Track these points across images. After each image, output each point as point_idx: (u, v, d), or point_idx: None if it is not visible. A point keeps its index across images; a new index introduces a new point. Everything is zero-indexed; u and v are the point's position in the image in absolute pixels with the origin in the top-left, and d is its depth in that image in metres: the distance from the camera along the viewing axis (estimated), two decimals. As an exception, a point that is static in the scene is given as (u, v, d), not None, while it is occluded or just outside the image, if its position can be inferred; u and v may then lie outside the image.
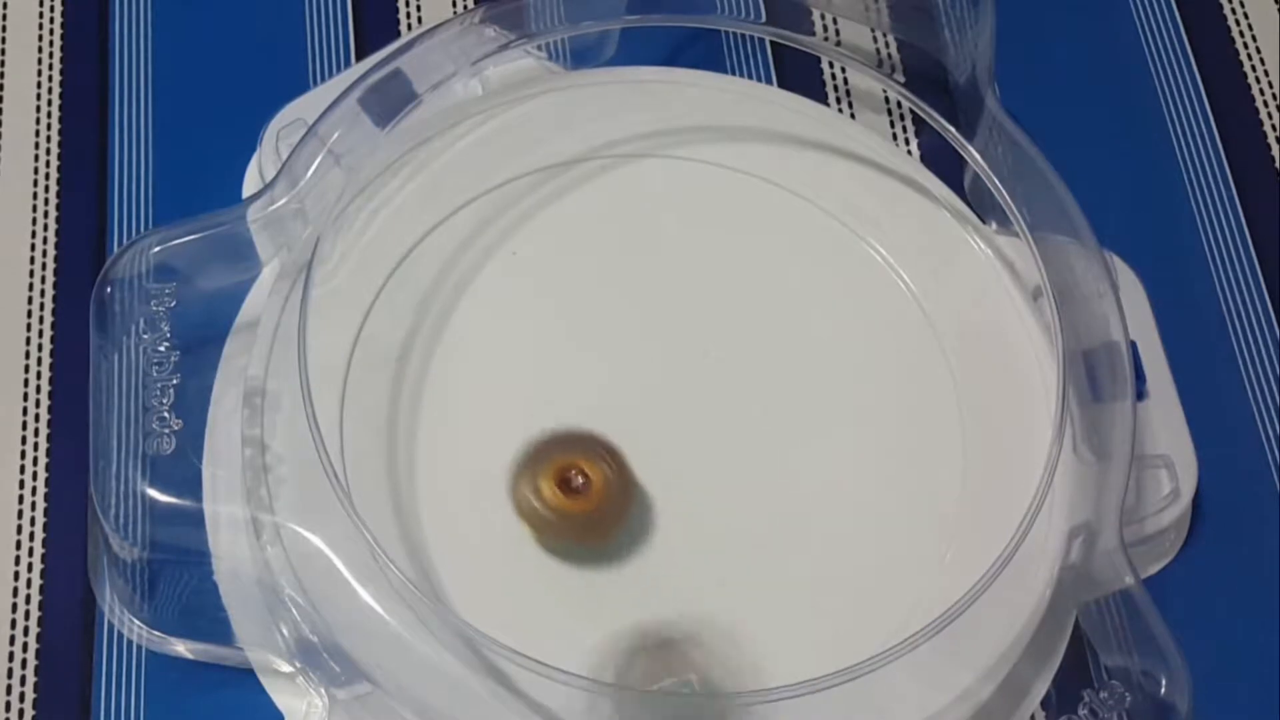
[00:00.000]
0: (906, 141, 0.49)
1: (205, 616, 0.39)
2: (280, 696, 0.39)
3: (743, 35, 0.50)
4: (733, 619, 0.39)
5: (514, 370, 0.41)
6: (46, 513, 0.42)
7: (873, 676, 0.35)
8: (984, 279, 0.44)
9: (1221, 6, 0.52)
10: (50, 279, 0.45)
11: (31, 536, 0.42)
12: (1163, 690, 0.37)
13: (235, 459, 0.39)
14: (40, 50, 0.49)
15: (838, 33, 0.50)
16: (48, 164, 0.47)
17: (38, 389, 0.44)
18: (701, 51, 0.49)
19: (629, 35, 0.48)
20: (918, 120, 0.49)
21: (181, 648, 0.39)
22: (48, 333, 0.44)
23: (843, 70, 0.50)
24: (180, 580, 0.39)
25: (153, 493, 0.38)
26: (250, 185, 0.44)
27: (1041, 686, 0.40)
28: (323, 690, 0.38)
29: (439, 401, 0.41)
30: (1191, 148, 0.49)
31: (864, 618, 0.39)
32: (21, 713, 0.40)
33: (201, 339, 0.41)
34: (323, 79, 0.48)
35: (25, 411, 0.43)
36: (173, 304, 0.40)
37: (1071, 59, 0.51)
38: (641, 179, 0.45)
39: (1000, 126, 0.43)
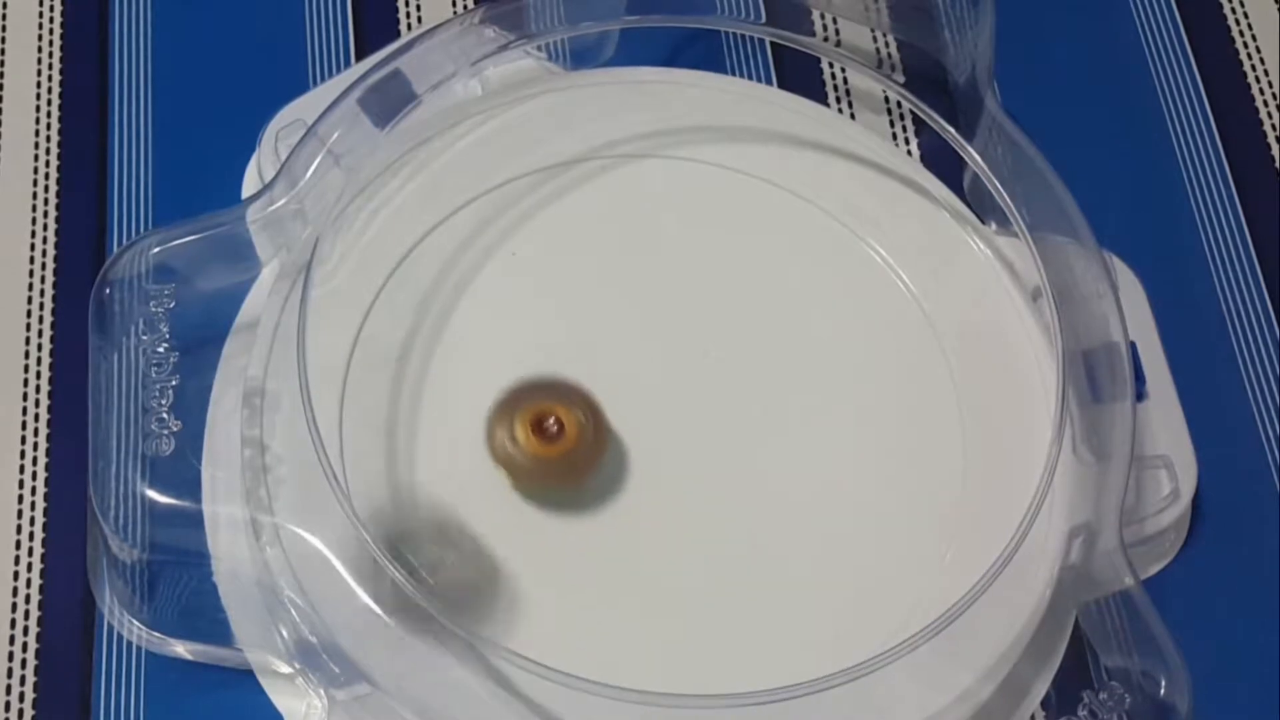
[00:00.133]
0: (906, 142, 0.49)
1: (204, 617, 0.39)
2: (279, 697, 0.39)
3: (742, 36, 0.50)
4: (733, 620, 0.39)
5: (514, 370, 0.41)
6: (46, 513, 0.42)
7: (873, 676, 0.35)
8: (984, 279, 0.44)
9: (1221, 6, 0.52)
10: (50, 279, 0.45)
11: (31, 536, 0.42)
12: (1162, 691, 0.37)
13: (234, 460, 0.39)
14: (40, 50, 0.49)
15: (838, 33, 0.50)
16: (48, 164, 0.47)
17: (38, 389, 0.44)
18: (701, 52, 0.49)
19: (629, 36, 0.48)
20: (917, 121, 0.49)
21: (181, 649, 0.39)
22: (48, 333, 0.44)
23: (842, 71, 0.50)
24: (179, 581, 0.39)
25: (152, 494, 0.38)
26: (250, 186, 0.44)
27: (1041, 687, 0.40)
28: (322, 691, 0.38)
29: (439, 402, 0.41)
30: (1191, 148, 0.49)
31: (864, 618, 0.39)
32: (21, 713, 0.40)
33: (201, 340, 0.41)
34: (322, 79, 0.48)
35: (25, 411, 0.43)
36: (172, 304, 0.40)
37: (1071, 59, 0.51)
38: (641, 179, 0.45)
39: (1000, 127, 0.43)
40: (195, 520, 0.39)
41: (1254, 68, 0.51)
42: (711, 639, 0.39)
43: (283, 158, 0.42)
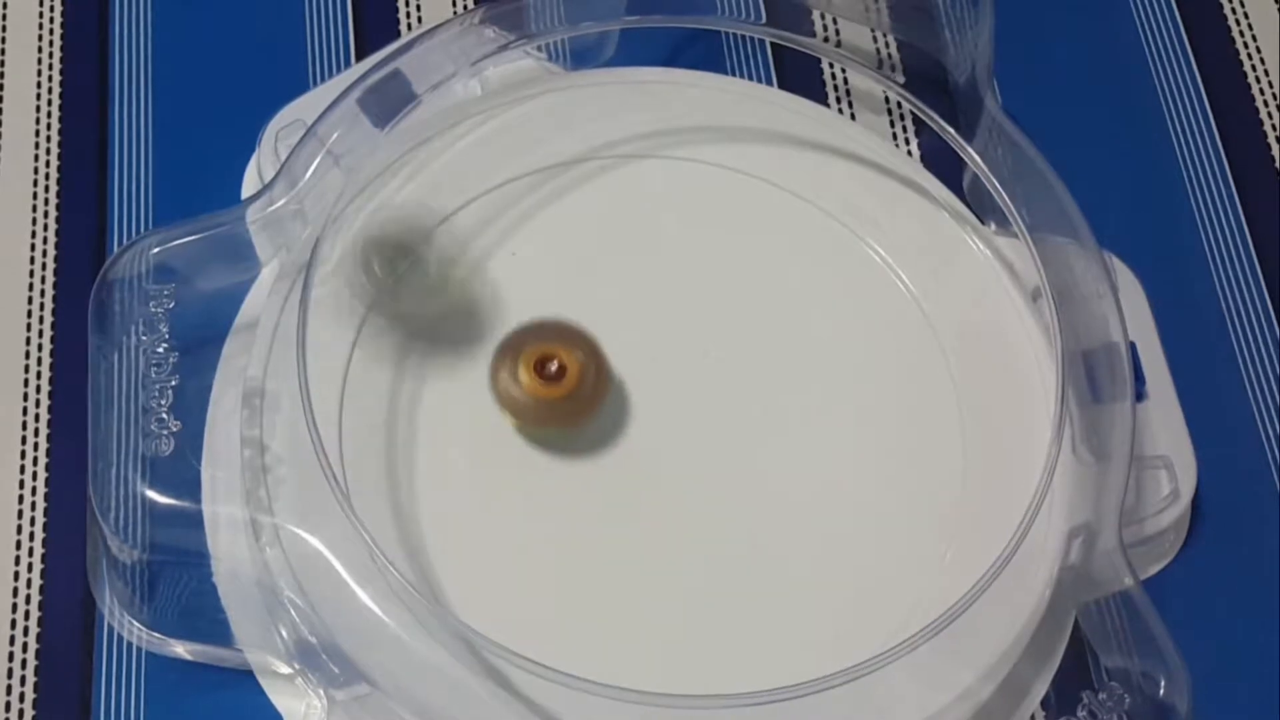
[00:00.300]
0: (906, 142, 0.49)
1: (204, 618, 0.39)
2: (279, 698, 0.39)
3: (743, 36, 0.50)
4: (733, 619, 0.39)
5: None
6: (46, 513, 0.42)
7: (873, 676, 0.35)
8: (983, 280, 0.44)
9: (1221, 6, 0.52)
10: (50, 279, 0.45)
11: (31, 536, 0.42)
12: (1162, 691, 0.37)
13: (234, 460, 0.39)
14: (40, 50, 0.49)
15: (838, 33, 0.50)
16: (48, 164, 0.47)
17: (38, 389, 0.44)
18: (701, 52, 0.49)
19: (629, 36, 0.48)
20: (917, 121, 0.49)
21: (181, 649, 0.39)
22: (48, 333, 0.44)
23: (843, 71, 0.50)
24: (179, 582, 0.39)
25: (152, 494, 0.38)
26: (250, 186, 0.44)
27: (1041, 687, 0.40)
28: (321, 691, 0.38)
29: (439, 402, 0.41)
30: (1191, 148, 0.49)
31: (864, 618, 0.39)
32: (21, 713, 0.40)
33: (201, 340, 0.41)
34: (322, 79, 0.48)
35: (25, 411, 0.43)
36: (172, 305, 0.40)
37: (1071, 59, 0.51)
38: (641, 179, 0.45)
39: (1000, 127, 0.43)
40: (195, 520, 0.39)
41: (1254, 68, 0.51)
42: (711, 639, 0.39)
43: (283, 158, 0.42)
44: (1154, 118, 0.50)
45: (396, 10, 0.50)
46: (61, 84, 0.48)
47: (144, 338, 0.39)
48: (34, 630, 0.41)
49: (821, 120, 0.46)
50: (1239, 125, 0.50)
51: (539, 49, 0.46)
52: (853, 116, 0.49)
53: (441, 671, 0.37)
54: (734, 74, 0.49)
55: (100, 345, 0.40)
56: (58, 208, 0.46)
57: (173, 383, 0.39)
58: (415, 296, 0.42)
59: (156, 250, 0.40)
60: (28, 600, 0.41)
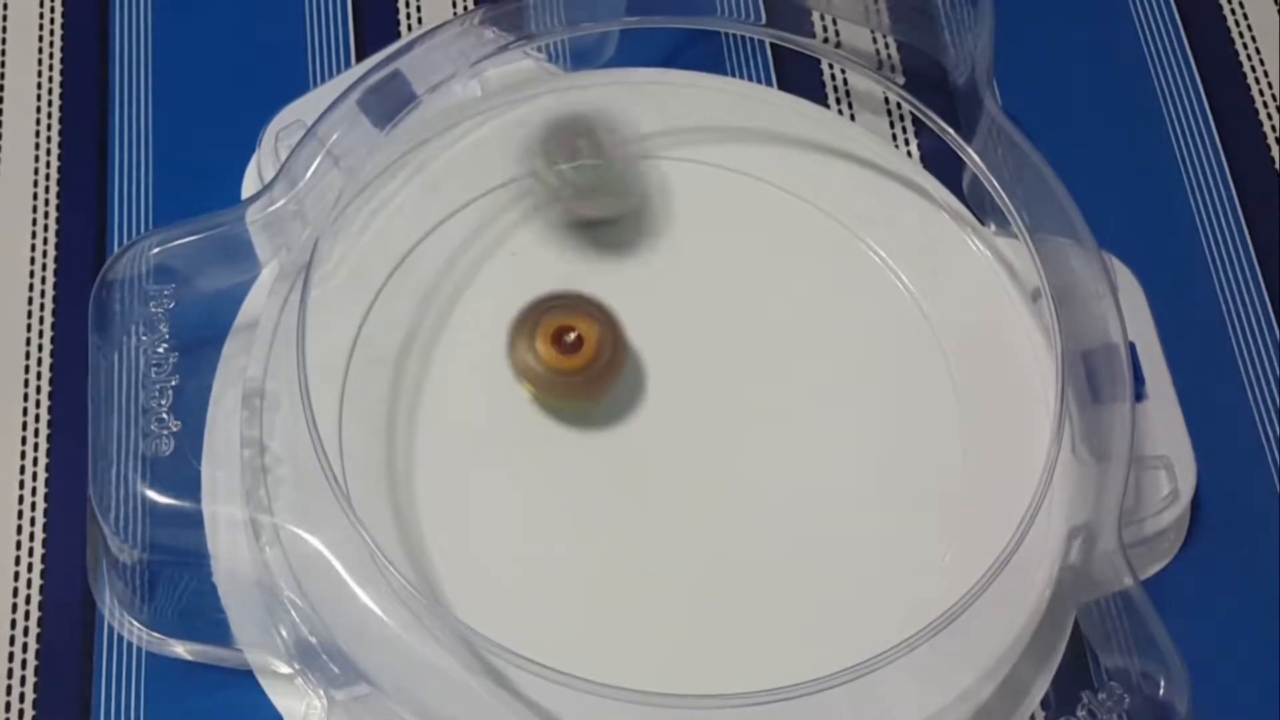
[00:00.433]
0: (906, 143, 0.49)
1: (204, 618, 0.39)
2: (279, 698, 0.39)
3: (742, 37, 0.50)
4: (733, 619, 0.39)
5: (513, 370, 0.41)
6: (46, 513, 0.42)
7: (873, 676, 0.35)
8: (983, 280, 0.44)
9: (1221, 7, 0.52)
10: (50, 279, 0.45)
11: (31, 536, 0.42)
12: (1162, 691, 0.37)
13: (234, 460, 0.39)
14: (40, 50, 0.49)
15: (837, 34, 0.50)
16: (48, 164, 0.47)
17: (38, 389, 0.44)
18: (701, 53, 0.49)
19: (628, 37, 0.48)
20: (917, 122, 0.49)
21: (180, 649, 0.39)
22: (48, 333, 0.44)
23: (843, 72, 0.50)
24: (179, 582, 0.39)
25: (152, 494, 0.38)
26: (250, 186, 0.44)
27: (1041, 687, 0.40)
28: (321, 691, 0.38)
29: (439, 402, 0.41)
30: (1191, 148, 0.49)
31: (864, 618, 0.39)
32: (21, 713, 0.40)
33: (200, 340, 0.41)
34: (322, 80, 0.48)
35: (25, 412, 0.43)
36: (172, 305, 0.40)
37: (1071, 59, 0.51)
38: (641, 179, 0.45)
39: (999, 128, 0.43)
40: (195, 520, 0.39)
41: (1254, 68, 0.51)
42: (711, 639, 0.39)
43: (283, 158, 0.42)
44: (1154, 118, 0.50)
45: (396, 11, 0.50)
46: (61, 84, 0.48)
47: (144, 338, 0.39)
48: (34, 630, 0.41)
49: (821, 121, 0.46)
50: (1239, 125, 0.50)
51: (539, 49, 0.46)
52: (853, 117, 0.49)
53: (441, 671, 0.37)
54: (734, 74, 0.49)
55: (100, 345, 0.40)
56: (58, 208, 0.46)
57: (173, 383, 0.39)
58: (592, 191, 0.43)
59: (156, 250, 0.40)
60: (28, 600, 0.41)
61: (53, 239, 0.46)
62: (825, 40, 0.50)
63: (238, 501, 0.39)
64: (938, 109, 0.44)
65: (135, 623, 0.38)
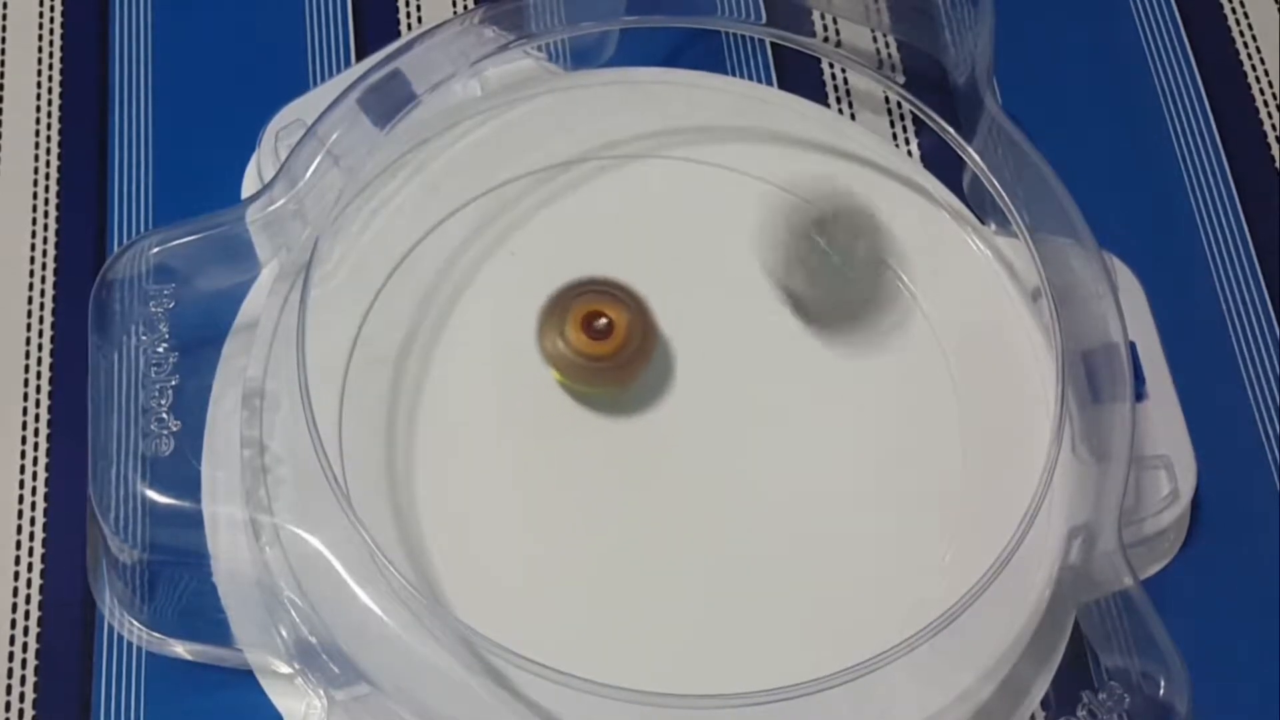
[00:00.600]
0: (906, 142, 0.49)
1: (204, 618, 0.39)
2: (279, 698, 0.39)
3: (743, 36, 0.50)
4: (733, 619, 0.39)
5: (514, 369, 0.41)
6: (46, 513, 0.42)
7: (873, 676, 0.35)
8: (983, 280, 0.44)
9: (1221, 6, 0.52)
10: (50, 279, 0.45)
11: (31, 536, 0.42)
12: (1162, 691, 0.37)
13: (234, 460, 0.39)
14: (40, 50, 0.49)
15: (838, 34, 0.50)
16: (48, 164, 0.47)
17: (38, 389, 0.44)
18: (701, 52, 0.49)
19: (628, 36, 0.48)
20: (917, 121, 0.49)
21: (180, 649, 0.39)
22: (48, 333, 0.44)
23: (843, 71, 0.50)
24: (179, 582, 0.39)
25: (152, 494, 0.38)
26: (249, 186, 0.44)
27: (1041, 687, 0.40)
28: (321, 691, 0.38)
29: (439, 402, 0.41)
30: (1191, 148, 0.49)
31: (864, 618, 0.39)
32: (21, 713, 0.40)
33: (200, 340, 0.41)
34: (322, 79, 0.48)
35: (25, 412, 0.43)
36: (172, 305, 0.40)
37: (1071, 59, 0.51)
38: (641, 179, 0.45)
39: (1000, 127, 0.43)
40: (195, 520, 0.39)
41: (1254, 68, 0.51)
42: (711, 639, 0.39)
43: (282, 158, 0.42)
44: (1154, 118, 0.50)
45: (396, 10, 0.50)
46: (61, 84, 0.48)
47: (144, 338, 0.39)
48: (34, 630, 0.41)
49: (821, 120, 0.46)
50: (1239, 125, 0.50)
51: (539, 49, 0.46)
52: (853, 116, 0.49)
53: (441, 671, 0.37)
54: (734, 74, 0.49)
55: (100, 345, 0.40)
56: (58, 208, 0.46)
57: (173, 383, 0.39)
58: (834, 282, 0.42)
59: (156, 250, 0.40)
60: (28, 600, 0.41)
61: (53, 239, 0.46)
62: (825, 40, 0.50)
63: (238, 501, 0.39)
64: (938, 109, 0.44)
65: (135, 623, 0.38)
